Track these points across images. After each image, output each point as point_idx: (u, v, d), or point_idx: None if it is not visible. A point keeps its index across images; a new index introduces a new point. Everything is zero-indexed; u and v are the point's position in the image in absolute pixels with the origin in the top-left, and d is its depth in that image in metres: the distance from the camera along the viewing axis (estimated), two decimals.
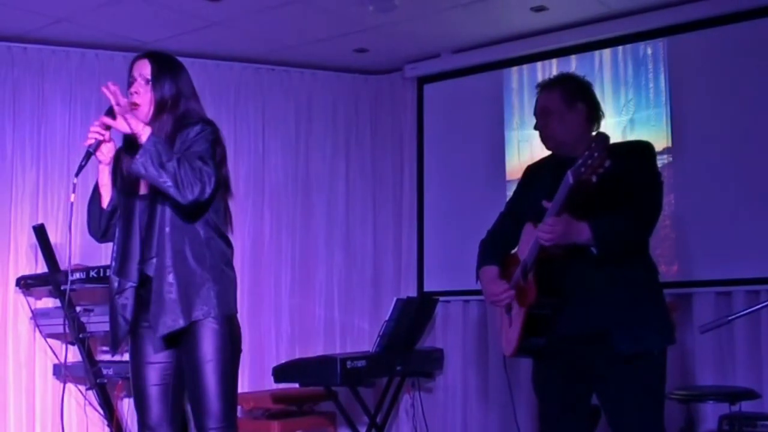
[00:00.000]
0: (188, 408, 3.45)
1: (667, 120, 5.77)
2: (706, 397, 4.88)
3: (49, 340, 5.84)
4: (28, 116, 6.11)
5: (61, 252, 5.90)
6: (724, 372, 5.42)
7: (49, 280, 5.66)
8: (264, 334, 6.58)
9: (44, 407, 5.94)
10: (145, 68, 3.44)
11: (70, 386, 5.88)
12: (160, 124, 3.36)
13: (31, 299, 5.91)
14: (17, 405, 5.88)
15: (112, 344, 3.44)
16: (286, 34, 6.25)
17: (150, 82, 3.42)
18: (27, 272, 5.90)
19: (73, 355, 5.82)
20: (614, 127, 5.73)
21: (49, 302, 5.92)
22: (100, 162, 3.46)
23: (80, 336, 5.53)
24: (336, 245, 6.94)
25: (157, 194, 3.30)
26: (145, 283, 3.36)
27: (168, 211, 3.30)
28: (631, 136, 5.70)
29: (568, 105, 3.59)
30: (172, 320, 3.24)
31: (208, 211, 3.34)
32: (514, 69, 6.49)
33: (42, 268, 5.75)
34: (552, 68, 6.18)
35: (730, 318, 3.56)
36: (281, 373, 5.60)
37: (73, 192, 3.42)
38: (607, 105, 5.74)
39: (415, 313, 5.98)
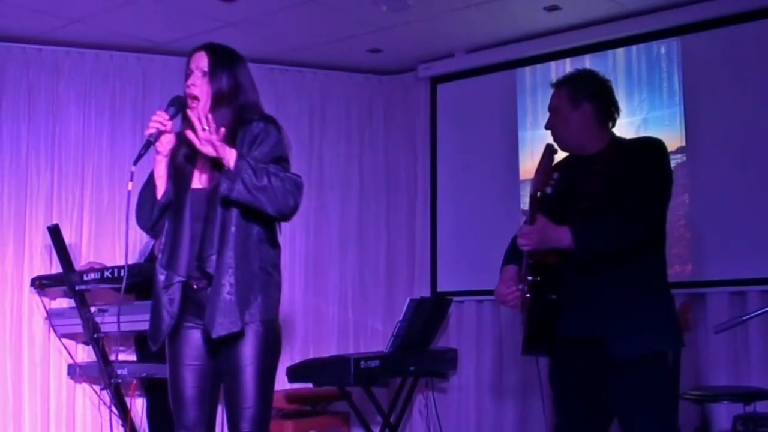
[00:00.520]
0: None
1: (681, 119, 5.75)
2: (720, 397, 4.86)
3: (63, 340, 5.86)
4: (43, 117, 6.14)
5: (76, 252, 5.93)
6: (738, 372, 5.39)
7: (63, 280, 5.67)
8: None
9: (59, 407, 5.96)
10: (202, 60, 3.42)
11: (84, 386, 5.91)
12: (219, 116, 3.33)
13: (45, 299, 5.93)
14: (32, 405, 5.90)
15: (153, 338, 3.39)
16: (299, 34, 6.25)
17: (207, 75, 3.39)
18: (42, 273, 5.92)
19: (88, 355, 5.85)
20: (628, 126, 5.71)
21: (63, 302, 5.94)
22: (158, 153, 3.38)
23: (94, 336, 5.54)
24: (349, 245, 6.94)
25: (216, 188, 3.28)
26: (192, 280, 3.34)
27: (234, 210, 3.28)
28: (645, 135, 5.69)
29: (573, 105, 3.56)
30: (230, 323, 3.22)
31: None
32: (528, 69, 6.48)
33: (57, 268, 5.77)
34: (566, 68, 6.15)
35: (744, 318, 3.54)
36: (295, 373, 5.60)
37: (131, 180, 3.31)
38: (620, 104, 5.73)
39: (428, 314, 5.98)
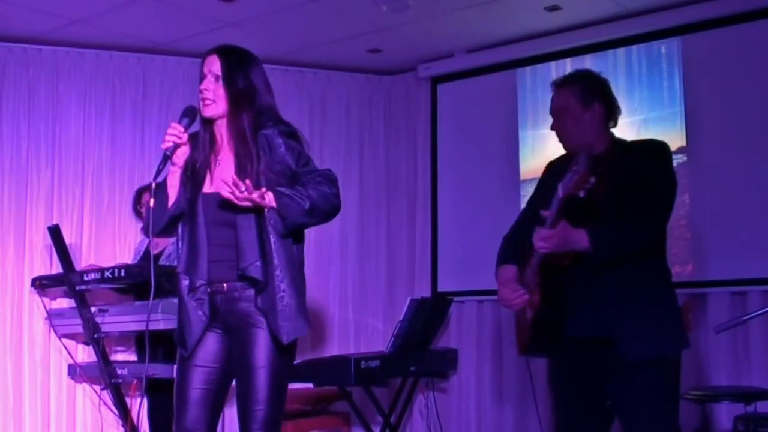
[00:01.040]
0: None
1: (682, 119, 5.75)
2: (721, 397, 4.86)
3: (63, 340, 5.85)
4: (43, 117, 6.14)
5: (76, 252, 5.93)
6: (739, 372, 5.39)
7: (64, 280, 5.67)
8: None
9: (59, 407, 5.96)
10: (214, 64, 3.39)
11: (84, 386, 5.91)
12: (237, 123, 3.34)
13: (46, 300, 5.92)
14: (32, 405, 5.91)
15: (183, 343, 3.38)
16: (299, 34, 6.25)
17: (220, 79, 3.37)
18: (42, 273, 5.92)
19: (88, 355, 5.84)
20: (628, 126, 5.70)
21: (64, 303, 5.93)
22: (173, 164, 3.36)
23: (95, 336, 5.54)
24: (350, 245, 6.94)
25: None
26: (218, 285, 3.35)
27: (273, 216, 3.29)
28: (646, 136, 5.68)
29: (584, 105, 3.56)
30: (295, 328, 3.30)
31: None
32: (528, 69, 6.48)
33: (57, 268, 5.77)
34: (566, 68, 6.15)
35: (745, 318, 3.55)
36: (295, 372, 5.58)
37: (152, 197, 3.35)
38: (621, 104, 5.69)
39: (429, 314, 5.98)
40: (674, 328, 3.46)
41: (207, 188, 3.38)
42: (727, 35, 5.64)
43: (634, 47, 5.99)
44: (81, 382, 5.90)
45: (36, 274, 5.92)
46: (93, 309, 5.60)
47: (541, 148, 6.16)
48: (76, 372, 5.82)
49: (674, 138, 5.68)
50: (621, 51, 6.05)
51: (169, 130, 3.31)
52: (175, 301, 3.49)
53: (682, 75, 5.79)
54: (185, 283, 3.37)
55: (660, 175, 3.46)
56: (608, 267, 3.34)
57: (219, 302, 3.34)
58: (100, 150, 6.25)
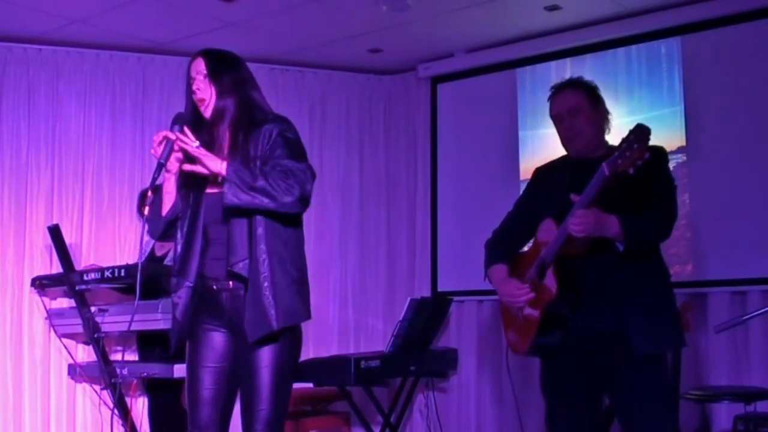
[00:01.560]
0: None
1: (682, 119, 5.75)
2: (721, 397, 4.86)
3: (63, 339, 5.86)
4: (43, 117, 6.14)
5: (76, 252, 5.93)
6: (739, 372, 5.39)
7: (63, 280, 5.67)
8: None
9: (59, 407, 5.96)
10: (200, 65, 3.42)
11: (84, 386, 5.91)
12: (224, 106, 3.37)
13: (46, 299, 5.93)
14: (32, 404, 5.90)
15: (174, 344, 3.44)
16: (299, 34, 6.25)
17: (207, 76, 3.40)
18: (42, 272, 5.92)
19: (88, 354, 5.84)
20: (629, 126, 5.68)
21: (63, 302, 5.94)
22: (167, 171, 3.37)
23: (95, 336, 5.54)
24: (350, 245, 6.94)
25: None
26: (214, 282, 3.35)
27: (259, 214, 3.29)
28: None
29: (594, 105, 3.61)
30: (264, 328, 3.24)
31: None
32: (528, 68, 6.48)
33: (57, 268, 5.77)
34: (566, 67, 6.17)
35: (745, 318, 3.56)
36: (295, 372, 5.59)
37: (148, 206, 3.39)
38: (621, 104, 5.76)
39: (429, 313, 5.98)
40: (677, 326, 3.50)
41: (210, 189, 3.39)
42: (727, 35, 5.64)
43: (634, 47, 5.99)
44: (81, 382, 5.91)
45: (36, 273, 5.93)
46: (93, 309, 5.61)
47: (541, 148, 6.16)
48: (76, 372, 5.82)
49: (674, 137, 5.68)
50: (621, 51, 6.05)
51: (161, 139, 3.32)
52: None
53: (681, 75, 5.79)
54: (173, 283, 3.41)
55: (664, 177, 3.50)
56: (620, 262, 3.36)
57: (224, 300, 3.35)
58: (100, 150, 6.25)
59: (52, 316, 5.85)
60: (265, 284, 3.24)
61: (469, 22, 6.04)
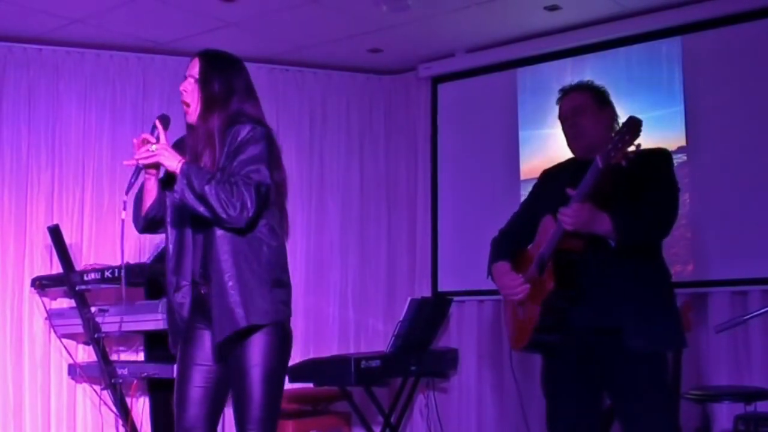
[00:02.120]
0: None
1: (682, 119, 5.75)
2: (721, 397, 4.86)
3: (64, 340, 5.86)
4: (43, 117, 6.14)
5: (76, 252, 5.93)
6: (739, 372, 5.39)
7: (64, 280, 5.67)
8: None
9: (59, 407, 5.96)
10: (194, 67, 3.42)
11: (85, 386, 5.91)
12: (206, 122, 3.34)
13: (46, 300, 5.93)
14: (33, 405, 5.90)
15: (172, 344, 3.46)
16: (299, 34, 6.25)
17: (198, 81, 3.39)
18: (42, 273, 5.92)
19: (88, 355, 5.84)
20: None
21: (64, 302, 5.94)
22: (146, 172, 3.41)
23: (95, 336, 5.54)
24: (350, 245, 6.94)
25: None
26: (200, 284, 3.36)
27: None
28: (646, 136, 5.65)
29: (600, 106, 3.64)
30: (230, 326, 3.23)
31: (261, 218, 3.32)
32: (528, 68, 6.47)
33: (57, 268, 5.77)
34: (566, 68, 6.17)
35: (745, 317, 3.56)
36: (296, 372, 5.60)
37: (124, 209, 3.41)
38: (621, 104, 5.67)
39: (429, 313, 5.98)
40: (676, 326, 3.50)
41: None
42: (727, 35, 5.64)
43: (635, 47, 5.99)
44: (81, 382, 5.91)
45: (36, 274, 5.93)
46: (93, 309, 5.61)
47: (542, 148, 6.17)
48: (76, 372, 5.82)
49: (675, 138, 5.68)
50: (621, 51, 6.05)
51: (142, 144, 3.33)
52: None
53: (682, 75, 5.78)
54: (171, 282, 3.41)
55: (666, 181, 3.52)
56: (618, 259, 3.36)
57: (205, 302, 3.35)
58: (100, 150, 6.24)
59: (52, 316, 5.85)
60: (230, 283, 3.24)
61: (470, 22, 6.04)
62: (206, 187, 3.15)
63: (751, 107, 5.51)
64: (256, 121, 3.37)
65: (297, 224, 6.74)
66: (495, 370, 6.39)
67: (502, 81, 6.60)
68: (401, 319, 5.77)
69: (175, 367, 3.44)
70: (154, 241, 5.85)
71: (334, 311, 6.83)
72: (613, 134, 3.21)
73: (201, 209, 3.17)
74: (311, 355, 6.32)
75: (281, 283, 3.35)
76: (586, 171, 3.29)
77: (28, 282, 5.93)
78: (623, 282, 3.42)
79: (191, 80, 3.41)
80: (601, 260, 3.41)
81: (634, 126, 3.16)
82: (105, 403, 5.72)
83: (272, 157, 3.36)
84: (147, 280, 5.40)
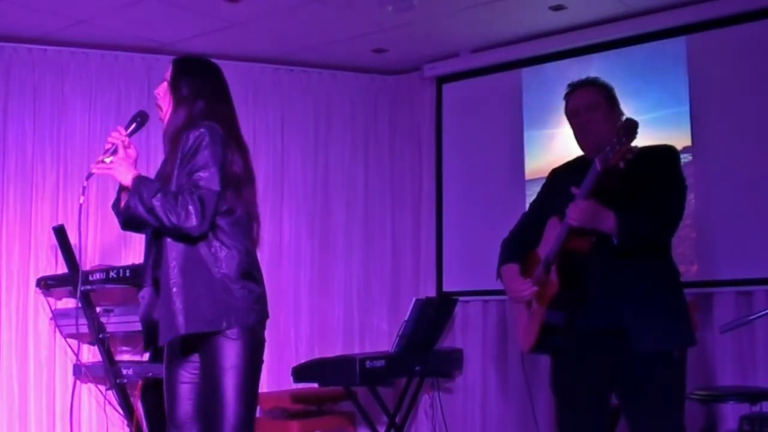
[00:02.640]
0: None
1: (688, 119, 5.74)
2: (726, 397, 4.86)
3: (68, 340, 5.86)
4: (48, 118, 6.14)
5: (81, 253, 5.93)
6: (744, 372, 5.39)
7: (69, 280, 5.68)
8: (283, 334, 6.59)
9: (64, 407, 5.96)
10: (168, 71, 3.51)
11: (90, 386, 5.91)
12: (171, 126, 3.42)
13: (51, 300, 5.93)
14: (38, 405, 5.91)
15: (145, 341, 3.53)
16: (304, 34, 6.25)
17: (169, 84, 3.47)
18: (47, 273, 5.93)
19: (93, 355, 5.85)
20: None
21: (69, 303, 5.94)
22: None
23: (100, 336, 5.55)
24: (355, 245, 6.94)
25: None
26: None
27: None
28: (652, 136, 5.65)
29: (611, 104, 3.65)
30: (169, 332, 3.25)
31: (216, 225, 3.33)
32: (533, 68, 6.47)
33: (62, 268, 5.77)
34: (572, 67, 6.16)
35: (751, 318, 3.54)
36: (300, 372, 5.60)
37: (83, 194, 3.53)
38: (627, 104, 5.69)
39: (434, 314, 5.97)
40: (684, 325, 3.51)
41: None
42: (732, 34, 5.63)
43: (640, 47, 5.98)
44: (86, 382, 5.91)
45: (41, 274, 5.94)
46: (98, 309, 5.62)
47: (547, 147, 6.17)
48: (81, 372, 5.83)
49: (680, 137, 5.67)
50: (626, 50, 6.04)
51: (113, 133, 3.44)
52: None
53: (688, 74, 5.77)
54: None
55: (672, 178, 3.53)
56: (624, 259, 3.36)
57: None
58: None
59: (57, 316, 5.86)
60: (174, 290, 3.26)
61: (475, 21, 6.04)
62: (153, 200, 3.21)
63: (756, 107, 5.50)
64: (206, 124, 3.35)
65: (302, 224, 6.76)
66: (500, 370, 6.39)
67: (507, 81, 6.59)
68: (406, 319, 5.76)
69: (163, 366, 3.47)
70: None
71: (339, 311, 6.84)
72: (612, 137, 3.21)
73: (150, 220, 3.23)
74: (316, 355, 6.32)
75: (243, 289, 3.33)
76: (584, 171, 3.30)
77: (33, 282, 5.93)
78: (629, 282, 3.42)
79: (164, 84, 3.50)
80: (606, 261, 3.41)
81: (630, 128, 3.17)
82: (110, 403, 5.73)
83: (217, 156, 3.32)
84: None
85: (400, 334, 5.76)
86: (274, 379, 6.37)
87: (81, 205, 3.48)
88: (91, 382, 5.82)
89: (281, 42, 6.37)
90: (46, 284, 5.84)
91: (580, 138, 3.67)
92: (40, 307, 5.96)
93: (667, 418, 3.41)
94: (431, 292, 6.71)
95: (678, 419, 3.45)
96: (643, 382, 3.41)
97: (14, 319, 5.93)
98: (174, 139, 3.37)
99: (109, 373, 5.54)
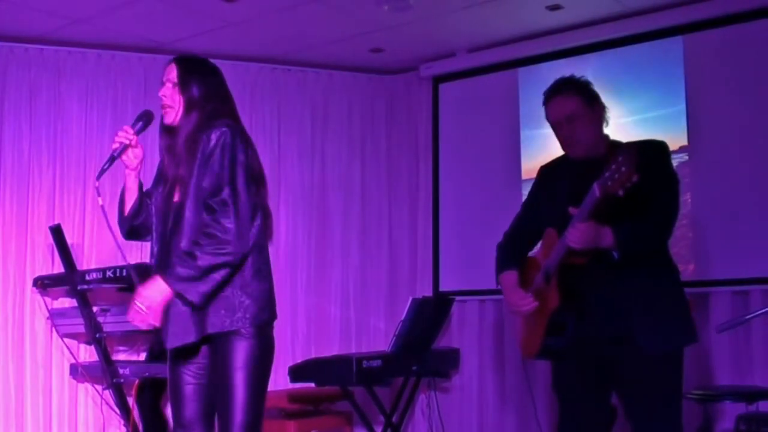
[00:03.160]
0: None
1: (684, 119, 5.74)
2: (723, 396, 4.86)
3: (65, 339, 5.86)
4: (45, 117, 6.14)
5: (78, 252, 5.93)
6: (741, 371, 5.39)
7: (65, 280, 5.68)
8: (280, 334, 6.52)
9: (61, 407, 5.96)
10: (171, 72, 3.45)
11: (86, 386, 5.91)
12: (187, 122, 3.36)
13: (47, 299, 5.93)
14: (34, 404, 5.90)
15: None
16: (301, 34, 6.25)
17: (177, 85, 3.42)
18: (44, 272, 5.92)
19: (90, 354, 5.84)
20: (631, 125, 5.71)
21: (65, 302, 5.94)
22: (126, 167, 3.44)
23: (97, 336, 5.55)
24: (352, 245, 6.94)
25: (182, 206, 3.28)
26: None
27: (185, 221, 3.27)
28: (648, 135, 5.66)
29: (589, 107, 3.58)
30: (183, 333, 3.22)
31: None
32: (530, 68, 6.46)
33: (59, 268, 5.77)
34: (568, 67, 6.14)
35: (747, 317, 3.55)
36: (297, 372, 5.60)
37: (99, 195, 3.40)
38: (623, 104, 5.75)
39: (431, 313, 5.97)
40: (686, 323, 3.52)
41: (176, 198, 3.38)
42: (729, 34, 5.64)
43: (636, 46, 5.98)
44: (83, 382, 5.91)
45: (38, 273, 5.94)
46: (95, 309, 5.61)
47: (543, 147, 6.15)
48: (78, 372, 5.83)
49: (677, 137, 5.67)
50: (623, 50, 6.04)
51: (120, 132, 3.40)
52: None
53: (684, 74, 5.78)
54: None
55: (667, 174, 3.51)
56: (624, 266, 3.36)
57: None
58: (102, 150, 6.23)
59: (53, 316, 5.86)
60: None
61: (471, 21, 6.04)
62: (198, 266, 3.15)
63: (752, 106, 5.50)
64: (225, 123, 3.33)
65: (299, 224, 6.75)
66: (496, 369, 6.39)
67: (504, 81, 6.60)
68: (403, 318, 5.76)
69: (167, 366, 3.45)
70: None
71: (336, 311, 6.83)
72: (611, 162, 3.15)
73: (218, 277, 3.17)
74: (313, 355, 6.32)
75: (256, 290, 3.32)
76: (584, 173, 3.29)
77: (29, 282, 5.93)
78: (629, 289, 3.42)
79: (169, 85, 3.44)
80: (605, 270, 3.41)
81: (630, 157, 3.12)
82: (106, 403, 5.72)
83: (242, 157, 3.30)
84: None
85: (396, 333, 5.76)
86: (271, 378, 6.32)
87: (102, 206, 3.38)
88: (88, 381, 5.82)
89: (278, 42, 6.37)
90: (43, 284, 5.83)
91: (567, 147, 3.65)
92: (36, 307, 5.95)
93: (668, 418, 3.42)
94: (428, 292, 6.71)
95: (677, 418, 3.46)
96: (648, 383, 3.41)
97: (11, 318, 5.92)
98: (190, 141, 3.32)
99: (105, 373, 5.54)
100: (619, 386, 3.54)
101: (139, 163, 3.44)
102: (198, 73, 3.47)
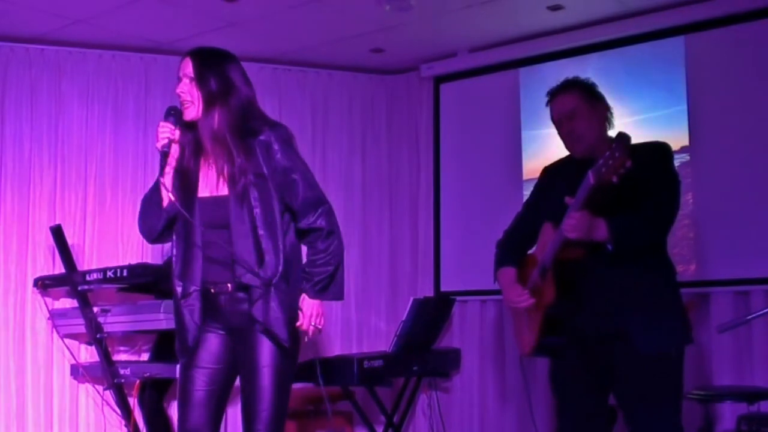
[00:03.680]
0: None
1: (685, 119, 5.74)
2: (724, 397, 4.86)
3: (66, 340, 5.86)
4: (46, 117, 6.13)
5: (78, 253, 5.92)
6: (742, 372, 5.39)
7: (66, 280, 5.67)
8: None
9: (62, 407, 5.96)
10: (187, 67, 3.44)
11: (87, 386, 5.91)
12: (208, 119, 3.36)
13: (48, 300, 5.92)
14: (35, 405, 5.90)
15: (182, 350, 3.44)
16: (302, 34, 6.25)
17: (194, 80, 3.40)
18: (44, 273, 5.92)
19: (91, 355, 5.84)
20: (632, 125, 5.70)
21: (66, 303, 5.94)
22: (167, 164, 3.44)
23: (97, 336, 5.54)
24: (352, 245, 6.92)
25: (244, 197, 3.31)
26: (214, 286, 3.37)
27: (260, 215, 3.32)
28: (649, 135, 5.66)
29: (591, 104, 3.61)
30: (280, 330, 3.31)
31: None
32: (531, 68, 6.46)
33: (59, 268, 5.76)
34: (569, 67, 6.14)
35: (748, 318, 3.56)
36: (298, 372, 5.55)
37: (168, 191, 3.41)
38: (625, 104, 5.75)
39: (432, 313, 5.98)
40: (682, 324, 3.52)
41: (201, 192, 3.39)
42: (731, 34, 5.63)
43: (637, 46, 5.98)
44: (84, 382, 5.91)
45: (39, 274, 5.93)
46: (95, 309, 5.61)
47: (544, 147, 6.16)
48: (78, 372, 5.82)
49: (678, 137, 5.67)
50: (624, 50, 6.04)
51: (161, 129, 3.40)
52: None
53: (686, 74, 5.77)
54: (178, 289, 3.41)
55: (667, 174, 3.52)
56: (620, 262, 3.36)
57: (222, 302, 3.35)
58: (103, 150, 6.24)
59: (54, 316, 5.85)
60: (275, 290, 3.33)
61: (472, 21, 6.03)
62: (330, 267, 3.60)
63: (754, 107, 5.50)
64: (274, 124, 3.46)
65: None
66: (497, 369, 6.39)
67: (505, 81, 6.59)
68: (404, 318, 5.77)
69: (178, 369, 3.44)
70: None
71: (337, 311, 6.82)
72: (605, 150, 3.18)
73: (339, 275, 3.66)
74: (314, 355, 6.31)
75: (294, 284, 3.43)
76: (585, 170, 3.29)
77: (30, 282, 5.93)
78: (627, 285, 3.43)
79: (186, 80, 3.42)
80: (601, 265, 3.41)
81: (622, 143, 3.14)
82: (107, 404, 5.72)
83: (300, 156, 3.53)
84: (156, 280, 5.38)
85: (397, 333, 5.76)
86: None
87: (172, 201, 3.39)
88: (89, 382, 5.82)
89: (279, 41, 6.36)
90: (44, 284, 5.83)
91: (569, 145, 3.67)
92: (37, 307, 5.94)
93: (666, 417, 3.42)
94: (429, 292, 6.71)
95: (676, 419, 3.46)
96: (643, 382, 3.41)
97: (11, 319, 5.91)
98: (222, 142, 3.33)
99: (106, 373, 5.53)
100: (615, 385, 3.54)
101: (177, 158, 3.45)
102: (215, 65, 3.45)
